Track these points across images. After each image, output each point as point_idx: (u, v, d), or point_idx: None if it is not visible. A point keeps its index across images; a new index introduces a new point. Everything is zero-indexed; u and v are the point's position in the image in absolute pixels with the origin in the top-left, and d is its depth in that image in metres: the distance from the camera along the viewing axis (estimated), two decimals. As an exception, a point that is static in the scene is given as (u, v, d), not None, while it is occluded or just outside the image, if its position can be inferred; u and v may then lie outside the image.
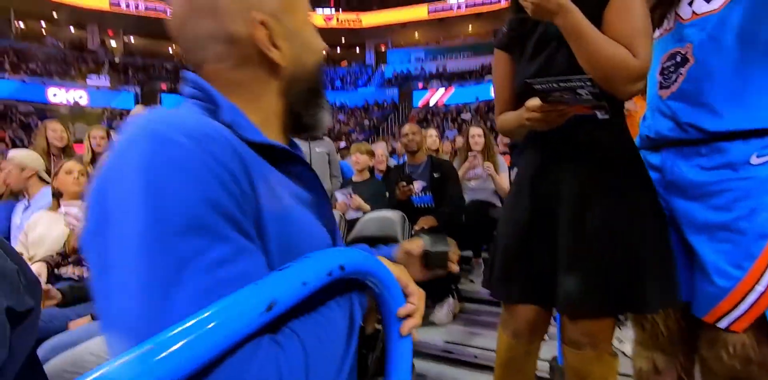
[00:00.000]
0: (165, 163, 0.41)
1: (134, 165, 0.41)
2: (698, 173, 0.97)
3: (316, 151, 3.36)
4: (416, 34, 25.95)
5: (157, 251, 0.38)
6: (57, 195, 2.18)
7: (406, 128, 2.86)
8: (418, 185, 2.77)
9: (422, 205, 2.85)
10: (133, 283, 0.38)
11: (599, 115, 0.87)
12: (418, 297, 0.62)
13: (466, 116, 18.26)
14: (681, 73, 0.99)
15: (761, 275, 0.87)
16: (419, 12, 24.48)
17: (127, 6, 22.53)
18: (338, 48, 26.20)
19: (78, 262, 1.97)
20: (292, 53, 0.56)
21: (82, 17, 22.15)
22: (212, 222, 0.40)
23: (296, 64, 0.58)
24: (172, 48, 25.62)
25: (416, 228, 2.57)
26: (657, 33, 1.06)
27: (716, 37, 0.93)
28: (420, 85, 22.55)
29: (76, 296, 1.71)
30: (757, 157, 0.90)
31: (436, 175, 2.81)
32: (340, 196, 2.96)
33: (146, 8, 22.84)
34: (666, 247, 0.97)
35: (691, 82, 0.97)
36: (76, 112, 14.39)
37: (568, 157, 1.01)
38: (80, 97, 18.42)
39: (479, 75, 22.12)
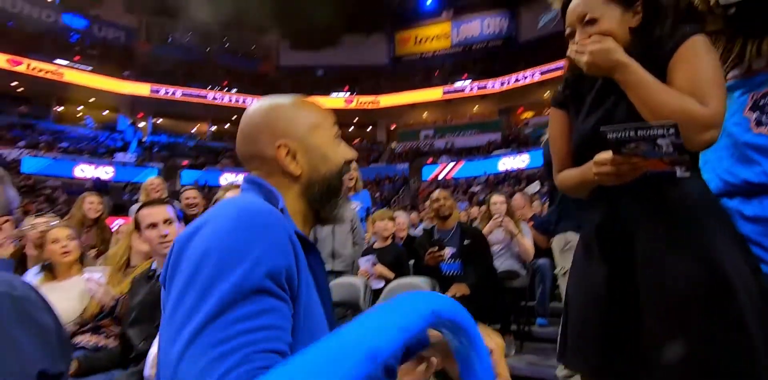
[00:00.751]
0: (233, 238, 0.55)
1: (211, 234, 0.56)
2: None
3: (339, 219, 3.36)
4: (425, 113, 27.56)
5: (205, 301, 0.51)
6: (47, 268, 1.97)
7: (437, 193, 2.89)
8: (448, 252, 2.70)
9: (450, 273, 2.75)
10: (186, 323, 0.50)
11: (679, 172, 0.78)
12: (497, 352, 0.57)
13: (476, 189, 18.51)
14: None
15: None
16: (435, 94, 26.29)
17: (167, 92, 24.58)
18: (351, 127, 27.73)
19: (96, 330, 1.87)
20: (309, 165, 0.76)
21: (117, 101, 24.12)
22: (250, 288, 0.52)
23: (313, 173, 0.76)
24: (196, 128, 27.38)
25: (448, 294, 2.45)
26: (734, 73, 1.05)
27: None
28: (429, 160, 23.34)
29: (91, 366, 1.59)
30: None
31: (466, 242, 2.75)
32: (363, 263, 2.90)
33: (183, 94, 24.88)
34: None
35: None
36: (99, 186, 15.00)
37: (641, 213, 0.93)
38: (106, 173, 19.27)
39: (486, 151, 22.92)
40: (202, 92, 25.35)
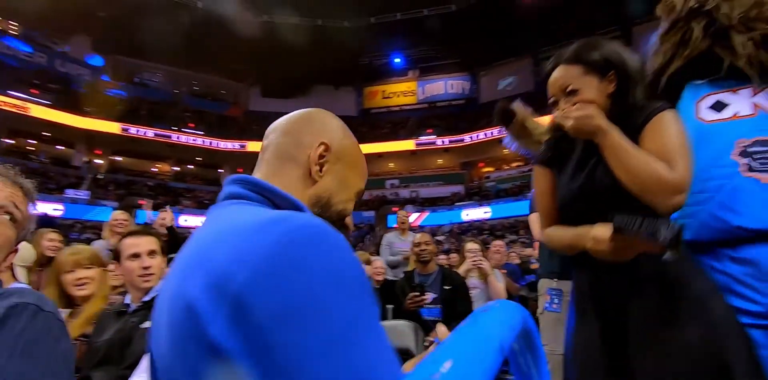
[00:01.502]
0: (337, 250, 0.49)
1: (316, 259, 0.47)
2: None
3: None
4: (391, 163, 28.32)
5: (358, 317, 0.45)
6: None
7: (419, 237, 2.87)
8: (429, 296, 2.64)
9: (431, 318, 2.69)
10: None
11: (668, 255, 0.83)
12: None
13: (441, 237, 18.70)
14: None
15: None
16: (407, 145, 27.61)
17: (137, 132, 24.02)
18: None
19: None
20: (330, 185, 0.67)
21: (72, 136, 23.16)
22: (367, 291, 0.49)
23: (329, 194, 0.67)
24: (156, 167, 26.59)
25: (429, 339, 2.38)
26: (716, 116, 1.08)
27: None
28: (395, 208, 23.62)
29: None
30: None
31: (446, 287, 2.72)
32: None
33: (155, 135, 24.41)
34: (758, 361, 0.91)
35: None
36: (45, 223, 14.02)
37: (627, 284, 0.99)
38: (55, 209, 18.05)
39: (450, 201, 23.59)
40: (169, 132, 25.04)
